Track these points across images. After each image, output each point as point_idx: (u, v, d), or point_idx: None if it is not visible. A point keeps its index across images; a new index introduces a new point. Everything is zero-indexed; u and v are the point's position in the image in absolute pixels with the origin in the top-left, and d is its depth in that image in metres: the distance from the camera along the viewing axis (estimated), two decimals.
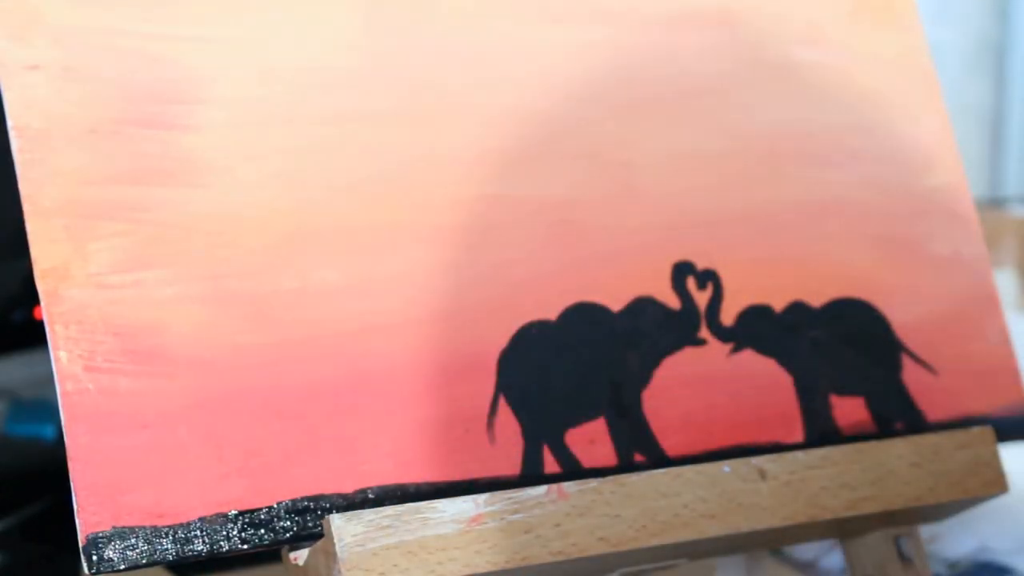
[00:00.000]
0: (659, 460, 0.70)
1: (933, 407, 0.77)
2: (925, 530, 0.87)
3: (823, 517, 0.70)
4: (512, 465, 0.68)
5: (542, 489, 0.65)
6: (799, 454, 0.70)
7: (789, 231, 0.76)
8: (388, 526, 0.62)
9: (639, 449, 0.70)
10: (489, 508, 0.64)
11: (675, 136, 0.75)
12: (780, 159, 0.77)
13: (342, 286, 0.67)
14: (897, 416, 0.76)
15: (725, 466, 0.69)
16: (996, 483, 0.74)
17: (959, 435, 0.74)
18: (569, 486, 0.66)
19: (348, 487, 0.65)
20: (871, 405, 0.76)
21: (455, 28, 0.72)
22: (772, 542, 0.77)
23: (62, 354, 0.62)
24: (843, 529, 0.75)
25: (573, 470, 0.68)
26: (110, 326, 0.63)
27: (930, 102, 0.82)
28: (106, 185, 0.65)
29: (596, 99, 0.74)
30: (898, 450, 0.72)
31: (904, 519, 0.75)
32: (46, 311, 0.62)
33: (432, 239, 0.69)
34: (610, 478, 0.67)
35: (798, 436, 0.73)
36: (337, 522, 0.62)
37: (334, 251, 0.67)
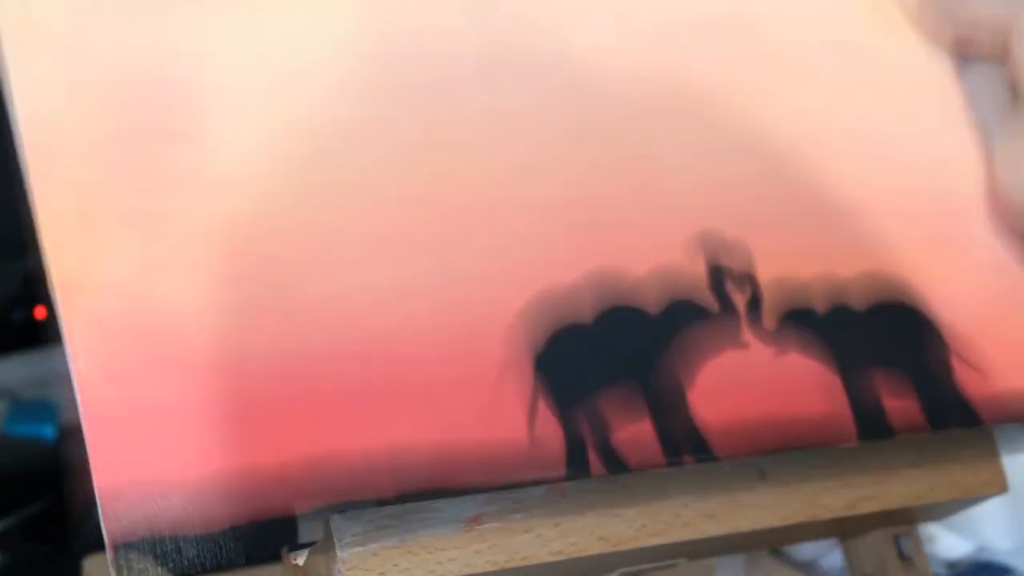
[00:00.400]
0: (707, 462, 0.69)
1: (986, 408, 0.76)
2: (925, 530, 0.87)
3: (823, 517, 0.70)
4: (557, 468, 0.67)
5: (542, 489, 0.65)
6: (799, 454, 0.70)
7: (829, 233, 0.75)
8: (388, 526, 0.62)
9: (688, 451, 0.69)
10: (489, 508, 0.64)
11: (696, 137, 0.75)
12: (817, 157, 0.77)
13: (355, 293, 0.66)
14: (952, 418, 0.75)
15: (725, 466, 0.69)
16: (996, 483, 0.74)
17: (959, 435, 0.74)
18: (569, 486, 0.66)
19: (387, 492, 0.64)
20: (924, 407, 0.75)
21: (461, 31, 0.72)
22: (772, 542, 0.77)
23: (81, 365, 0.62)
24: (843, 528, 0.75)
25: (620, 471, 0.67)
26: (127, 335, 0.63)
27: (952, 105, 0.81)
28: (118, 196, 0.64)
29: (607, 101, 0.74)
30: (898, 450, 0.72)
31: (904, 518, 0.75)
32: (64, 323, 0.62)
33: (443, 245, 0.69)
34: (610, 478, 0.67)
35: (852, 439, 0.72)
36: (337, 522, 0.62)
37: (349, 258, 0.67)
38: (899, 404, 0.74)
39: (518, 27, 0.73)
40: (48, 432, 1.05)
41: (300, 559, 0.64)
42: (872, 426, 0.73)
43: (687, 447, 0.69)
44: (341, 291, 0.66)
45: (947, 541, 0.90)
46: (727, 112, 0.76)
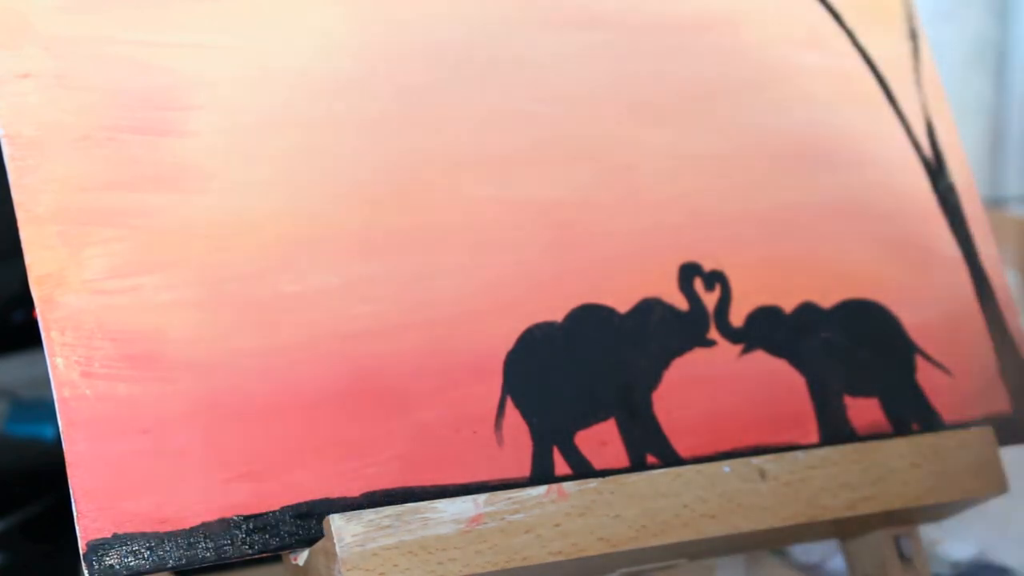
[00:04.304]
0: (671, 461, 0.70)
1: (949, 408, 0.76)
2: (928, 531, 0.87)
3: (823, 517, 0.70)
4: (522, 467, 0.67)
5: (542, 489, 0.65)
6: (799, 454, 0.70)
7: (796, 232, 0.76)
8: (388, 526, 0.62)
9: (651, 450, 0.70)
10: (489, 508, 0.64)
11: (678, 139, 0.75)
12: (785, 161, 0.77)
13: (343, 289, 0.67)
14: (913, 417, 0.76)
15: (725, 466, 0.69)
16: (996, 483, 0.74)
17: (959, 435, 0.74)
18: (569, 486, 0.66)
19: (354, 491, 0.64)
20: (886, 406, 0.75)
21: (453, 32, 0.72)
22: (772, 542, 0.77)
23: (59, 360, 0.62)
24: (843, 529, 0.75)
25: (584, 472, 0.68)
26: (107, 332, 0.63)
27: (934, 104, 0.82)
28: (100, 191, 0.65)
29: (597, 102, 0.74)
30: (898, 450, 0.72)
31: (904, 519, 0.75)
32: (42, 317, 0.62)
33: (433, 242, 0.69)
34: (610, 478, 0.67)
35: (813, 437, 0.73)
36: (337, 522, 0.62)
37: (334, 254, 0.67)
38: (862, 403, 0.75)
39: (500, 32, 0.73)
40: (48, 432, 1.05)
41: (300, 559, 0.64)
42: (834, 425, 0.74)
43: (651, 448, 0.70)
44: (319, 288, 0.67)
45: (950, 542, 0.90)
46: (705, 114, 0.77)
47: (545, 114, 0.73)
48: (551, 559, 0.65)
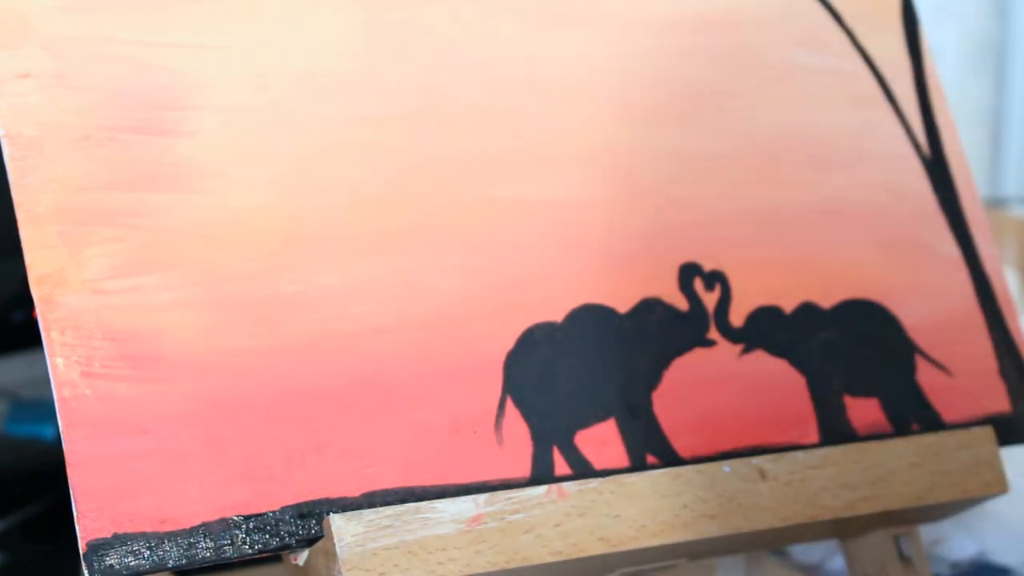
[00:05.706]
0: (671, 461, 0.70)
1: (949, 408, 0.76)
2: (929, 531, 0.87)
3: (823, 517, 0.70)
4: (522, 468, 0.67)
5: (542, 489, 0.65)
6: (799, 454, 0.70)
7: (796, 233, 0.76)
8: (388, 526, 0.62)
9: (651, 450, 0.70)
10: (489, 508, 0.64)
11: (678, 139, 0.75)
12: (785, 161, 0.77)
13: (343, 289, 0.67)
14: (913, 417, 0.76)
15: (725, 466, 0.69)
16: (996, 483, 0.74)
17: (959, 435, 0.74)
18: (569, 486, 0.66)
19: (354, 491, 0.64)
20: (886, 406, 0.75)
21: (454, 33, 0.72)
22: (772, 542, 0.77)
23: (59, 360, 0.62)
24: (843, 529, 0.75)
25: (584, 472, 0.68)
26: (107, 331, 0.63)
27: (934, 104, 0.82)
28: (100, 191, 0.65)
29: (597, 102, 0.74)
30: (898, 450, 0.72)
31: (904, 519, 0.75)
32: (42, 317, 0.62)
33: (433, 242, 0.69)
34: (610, 478, 0.67)
35: (813, 437, 0.73)
36: (337, 522, 0.62)
37: (334, 254, 0.67)
38: (862, 403, 0.75)
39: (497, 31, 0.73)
40: (48, 432, 1.05)
41: (300, 559, 0.64)
42: (834, 425, 0.74)
43: (651, 448, 0.70)
44: (319, 288, 0.67)
45: (950, 542, 0.90)
46: (705, 114, 0.77)
47: (545, 114, 0.73)
48: (551, 559, 0.65)
